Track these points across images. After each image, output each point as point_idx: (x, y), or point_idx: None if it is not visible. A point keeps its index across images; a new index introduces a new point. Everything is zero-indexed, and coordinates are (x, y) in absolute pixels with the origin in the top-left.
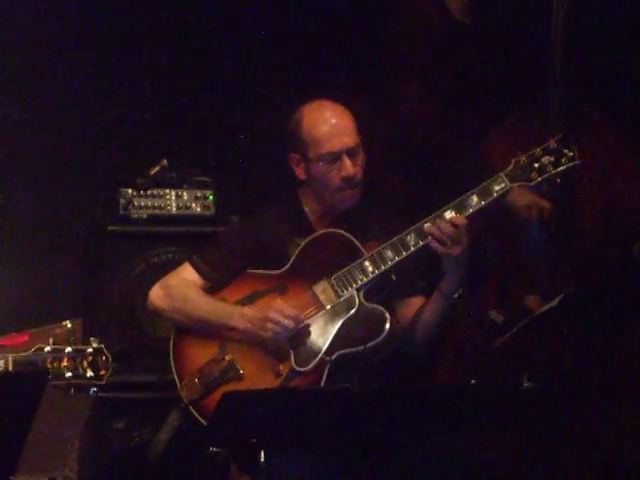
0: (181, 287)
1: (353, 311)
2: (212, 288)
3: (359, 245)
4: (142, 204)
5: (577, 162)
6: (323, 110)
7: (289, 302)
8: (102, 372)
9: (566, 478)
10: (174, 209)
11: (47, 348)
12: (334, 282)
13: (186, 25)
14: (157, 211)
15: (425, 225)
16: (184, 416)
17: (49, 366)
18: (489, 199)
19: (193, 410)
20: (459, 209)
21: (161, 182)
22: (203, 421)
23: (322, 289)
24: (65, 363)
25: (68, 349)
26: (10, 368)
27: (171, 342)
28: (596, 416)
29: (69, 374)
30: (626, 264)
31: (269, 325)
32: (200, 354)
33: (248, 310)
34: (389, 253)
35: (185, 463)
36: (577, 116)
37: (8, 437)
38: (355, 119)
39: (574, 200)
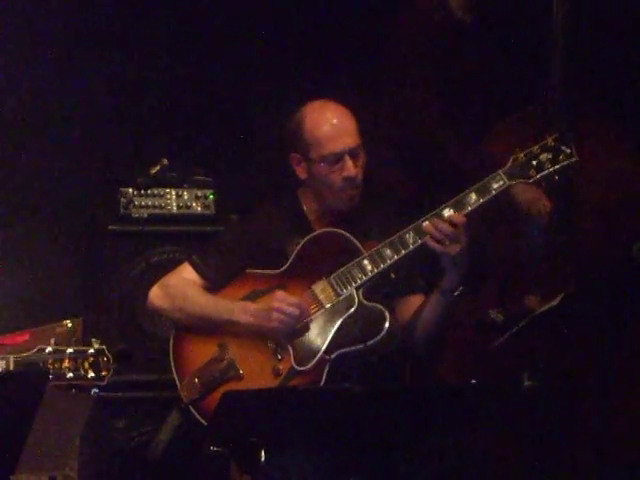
0: (181, 286)
1: (352, 310)
2: (212, 288)
3: (358, 244)
4: (142, 203)
5: (575, 159)
6: (325, 110)
7: None
8: (103, 373)
9: (566, 478)
10: (174, 208)
11: (48, 349)
12: (333, 281)
13: (186, 25)
14: (157, 210)
15: (423, 224)
16: (184, 416)
17: (50, 367)
18: (487, 197)
19: (193, 410)
20: (458, 207)
21: (161, 181)
22: (203, 421)
23: (321, 288)
24: (66, 364)
25: (69, 350)
26: (11, 369)
27: (171, 342)
28: (596, 416)
29: (70, 375)
30: (626, 264)
31: (274, 315)
32: (200, 354)
33: (250, 305)
34: (388, 252)
35: (185, 463)
36: (577, 115)
37: (9, 436)
38: (357, 119)
39: (574, 200)
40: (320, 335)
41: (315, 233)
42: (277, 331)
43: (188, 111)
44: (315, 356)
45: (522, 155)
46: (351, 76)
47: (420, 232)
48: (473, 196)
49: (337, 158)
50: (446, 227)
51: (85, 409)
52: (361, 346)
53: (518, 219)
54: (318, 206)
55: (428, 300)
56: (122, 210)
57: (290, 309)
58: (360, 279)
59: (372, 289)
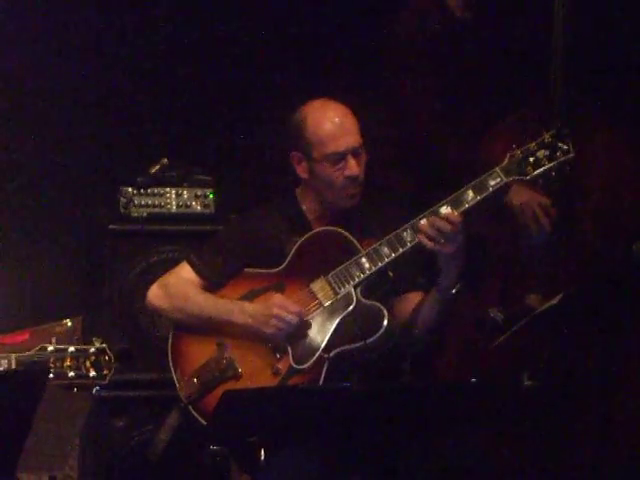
0: (180, 286)
1: (351, 308)
2: (210, 287)
3: (356, 242)
4: (142, 203)
5: (572, 155)
6: (327, 109)
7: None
8: (105, 372)
9: (566, 478)
10: (174, 208)
11: (50, 348)
12: (331, 279)
13: (186, 25)
14: (157, 210)
15: (419, 222)
16: (183, 416)
17: (52, 366)
18: (485, 194)
19: (192, 410)
20: (455, 204)
21: (161, 181)
22: (202, 420)
23: (319, 287)
24: (68, 363)
25: (71, 349)
26: (14, 367)
27: (169, 342)
28: (596, 416)
29: (72, 374)
30: (626, 263)
31: (272, 321)
32: (199, 353)
33: (249, 306)
34: (385, 249)
35: (185, 462)
36: (577, 115)
37: (9, 436)
38: (357, 119)
39: (574, 199)
40: (319, 334)
41: (313, 232)
42: (273, 336)
43: (188, 110)
44: (314, 355)
45: (519, 152)
46: (351, 76)
47: (417, 230)
48: (470, 193)
49: (340, 157)
50: (442, 225)
51: (85, 408)
52: (360, 344)
53: (518, 220)
54: (318, 205)
55: (426, 298)
56: (122, 209)
57: (289, 317)
58: (358, 277)
59: (370, 287)
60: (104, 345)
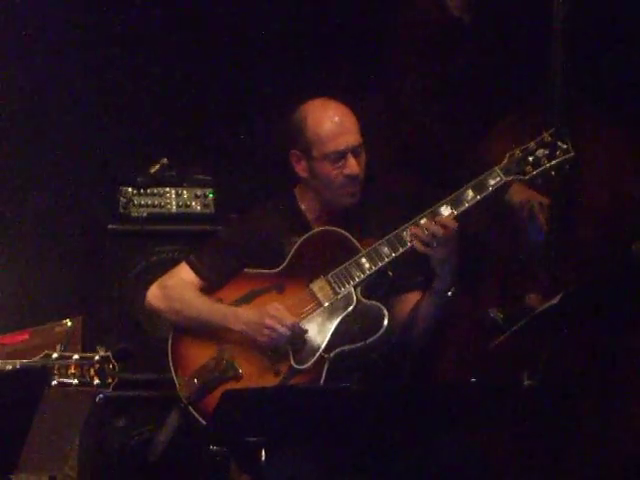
0: (178, 288)
1: (351, 308)
2: (209, 288)
3: (356, 242)
4: (142, 202)
5: (572, 154)
6: (327, 108)
7: (286, 301)
8: (109, 380)
9: (566, 478)
10: (174, 207)
11: (54, 355)
12: (331, 279)
13: (186, 25)
14: (157, 209)
15: (418, 223)
16: (183, 416)
17: (56, 373)
18: (484, 193)
19: (192, 410)
20: (455, 204)
21: (161, 180)
22: (203, 421)
23: (319, 287)
24: (72, 370)
25: (75, 356)
26: None
27: (169, 342)
28: (596, 415)
29: (76, 381)
30: (626, 263)
31: (265, 331)
32: (198, 354)
33: (244, 312)
34: (385, 249)
35: (185, 462)
36: (577, 115)
37: (8, 435)
38: (357, 118)
39: (574, 199)
40: (319, 334)
41: (313, 232)
42: (266, 346)
43: (188, 110)
44: (314, 355)
45: (518, 151)
46: (351, 76)
47: (418, 229)
48: (470, 193)
49: (339, 156)
50: (435, 230)
51: (85, 408)
52: (360, 344)
53: (517, 219)
54: (317, 204)
55: (422, 300)
56: (121, 209)
57: (282, 329)
58: (358, 277)
59: (370, 287)
60: (108, 353)
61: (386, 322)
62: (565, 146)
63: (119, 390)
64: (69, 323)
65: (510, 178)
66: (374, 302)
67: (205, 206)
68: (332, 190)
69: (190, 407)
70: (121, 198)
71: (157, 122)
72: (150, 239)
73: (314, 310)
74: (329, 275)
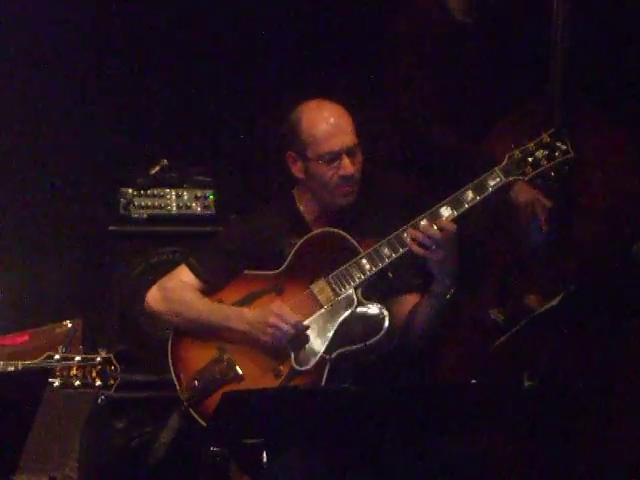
0: (178, 290)
1: (352, 309)
2: (209, 290)
3: (355, 243)
4: (142, 204)
5: (571, 155)
6: (322, 109)
7: (287, 302)
8: (111, 382)
9: (565, 478)
10: (174, 209)
11: (56, 356)
12: (332, 281)
13: (187, 26)
14: (157, 211)
15: (419, 224)
16: (184, 418)
17: (58, 374)
18: (484, 194)
19: (193, 412)
20: (455, 205)
21: (161, 182)
22: (203, 423)
23: (320, 288)
24: (74, 371)
25: (77, 358)
26: None
27: (169, 344)
28: (596, 415)
29: (78, 382)
30: (626, 263)
31: (269, 330)
32: (199, 356)
33: (247, 312)
34: (386, 250)
35: (186, 463)
36: (577, 115)
37: (9, 436)
38: (353, 118)
39: (574, 199)
40: (320, 335)
41: (312, 233)
42: (270, 344)
43: (188, 112)
44: (315, 356)
45: (518, 152)
46: (351, 76)
47: (417, 231)
48: (470, 194)
49: (334, 157)
50: (433, 233)
51: (85, 409)
52: (361, 345)
53: (520, 219)
54: (315, 205)
55: (421, 302)
56: (122, 210)
57: (285, 327)
58: (359, 278)
59: (369, 288)
60: (110, 355)
61: (387, 323)
62: (564, 147)
63: (120, 391)
64: (69, 324)
65: (510, 179)
66: (375, 303)
67: (205, 207)
68: (328, 191)
69: (191, 409)
70: (121, 199)
71: (157, 123)
72: (150, 240)
73: (315, 311)
74: (329, 276)
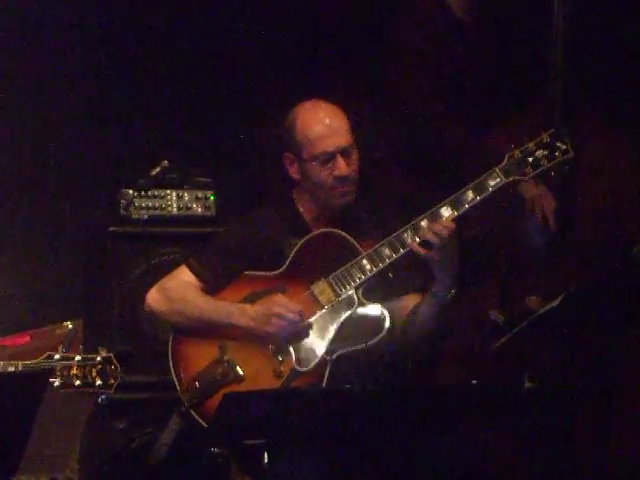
0: (179, 289)
1: (352, 310)
2: (209, 290)
3: (356, 244)
4: (143, 205)
5: (571, 155)
6: (317, 110)
7: None
8: (111, 381)
9: (566, 478)
10: (175, 210)
11: (56, 356)
12: (332, 281)
13: (186, 26)
14: (158, 212)
15: (419, 224)
16: (185, 420)
17: (58, 374)
18: (484, 194)
19: (194, 413)
20: (455, 205)
21: (162, 183)
22: (204, 424)
23: (321, 289)
24: (74, 371)
25: (77, 357)
26: None
27: (169, 345)
28: (597, 416)
29: (78, 382)
30: (626, 264)
31: (274, 320)
32: (199, 357)
33: (250, 307)
34: (387, 251)
35: (186, 463)
36: (578, 115)
37: (9, 438)
38: (350, 118)
39: (575, 200)
40: (321, 336)
41: (313, 234)
42: (276, 336)
43: (188, 112)
44: (316, 357)
45: (518, 152)
46: (351, 76)
47: (418, 231)
48: (470, 194)
49: (328, 157)
50: (433, 233)
51: (86, 410)
52: (362, 346)
53: (521, 217)
54: (314, 206)
55: (422, 302)
56: (122, 211)
57: (290, 315)
58: (359, 279)
59: (370, 289)
60: (110, 355)
61: (387, 324)
62: (564, 147)
63: (120, 392)
64: (70, 325)
65: (510, 179)
66: (375, 304)
67: (206, 208)
68: (324, 191)
69: (191, 410)
70: (122, 200)
71: (158, 124)
72: (151, 241)
73: (315, 312)
74: (330, 277)
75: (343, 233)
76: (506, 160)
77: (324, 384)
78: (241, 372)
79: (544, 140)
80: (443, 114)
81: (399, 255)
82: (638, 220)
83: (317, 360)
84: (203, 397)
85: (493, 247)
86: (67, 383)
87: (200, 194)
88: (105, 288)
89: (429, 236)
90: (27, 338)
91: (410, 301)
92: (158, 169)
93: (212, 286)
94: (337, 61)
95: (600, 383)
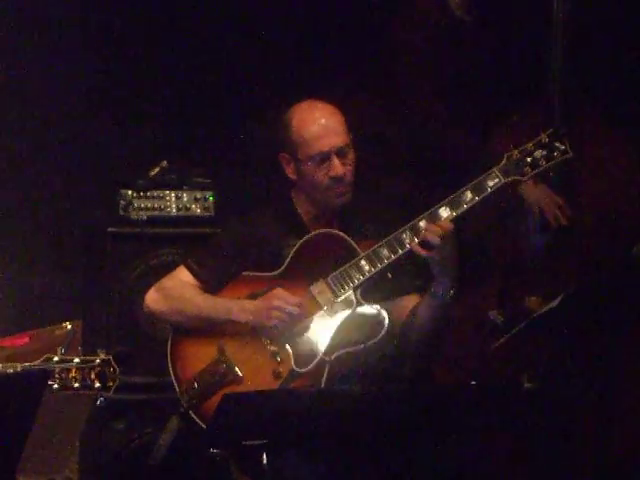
0: (178, 288)
1: (351, 311)
2: (207, 291)
3: (354, 244)
4: (142, 205)
5: (570, 155)
6: (312, 110)
7: None
8: (110, 383)
9: (566, 478)
10: (174, 210)
11: (55, 358)
12: (331, 282)
13: (186, 26)
14: (157, 212)
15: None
16: (184, 421)
17: (57, 376)
18: (483, 195)
19: (193, 414)
20: (453, 206)
21: (161, 183)
22: (203, 425)
23: (319, 290)
24: (73, 373)
25: (76, 360)
26: None
27: (168, 346)
28: (597, 416)
29: (77, 384)
30: (626, 264)
31: (274, 313)
32: (198, 357)
33: (249, 303)
34: (385, 251)
35: (186, 464)
36: (578, 115)
37: (9, 438)
38: (346, 118)
39: (575, 200)
40: (319, 336)
41: (311, 234)
42: (276, 329)
43: (187, 113)
44: (315, 358)
45: (516, 152)
46: (351, 76)
47: (417, 231)
48: (469, 194)
49: (324, 158)
50: (432, 233)
51: (85, 411)
52: (360, 347)
53: (520, 217)
54: (311, 206)
55: (421, 303)
56: (121, 212)
57: (290, 308)
58: (358, 280)
59: (369, 289)
60: (109, 357)
61: (386, 325)
62: (563, 147)
63: (119, 393)
64: (69, 326)
65: (509, 179)
66: (374, 305)
67: (205, 209)
68: (320, 192)
69: (190, 411)
70: (121, 201)
71: (157, 125)
72: (150, 242)
73: (314, 313)
74: (329, 278)
75: (342, 234)
76: (505, 160)
77: (322, 385)
78: (240, 373)
79: (543, 140)
80: (443, 114)
81: (397, 256)
82: (638, 220)
83: (316, 361)
84: (202, 398)
85: (493, 248)
86: (66, 386)
87: (199, 195)
88: (104, 288)
89: (428, 236)
90: (26, 339)
91: (409, 302)
92: (157, 170)
93: (210, 286)
94: (337, 61)
95: (600, 383)
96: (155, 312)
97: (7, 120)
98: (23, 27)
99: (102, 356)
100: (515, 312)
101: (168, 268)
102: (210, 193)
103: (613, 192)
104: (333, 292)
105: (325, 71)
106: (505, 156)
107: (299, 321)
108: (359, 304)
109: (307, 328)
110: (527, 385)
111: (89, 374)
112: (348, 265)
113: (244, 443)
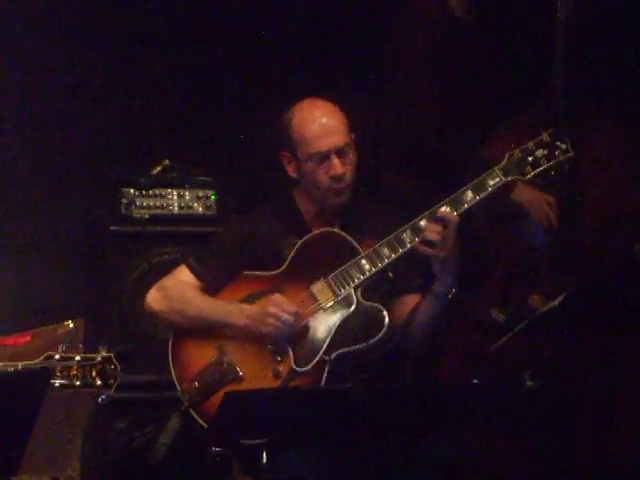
0: (178, 288)
1: (351, 309)
2: (209, 290)
3: (355, 244)
4: (144, 204)
5: (571, 154)
6: (313, 109)
7: None
8: (111, 381)
9: (566, 478)
10: (176, 209)
11: (56, 356)
12: (331, 281)
13: (186, 26)
14: (159, 211)
15: (418, 223)
16: (185, 420)
17: (58, 374)
18: (484, 194)
19: (194, 413)
20: (454, 205)
21: (163, 182)
22: (204, 424)
23: (320, 288)
24: (74, 371)
25: (77, 357)
26: None
27: (169, 345)
28: (597, 416)
29: (78, 382)
30: (627, 264)
31: (269, 320)
32: (199, 357)
33: (247, 307)
34: (385, 251)
35: (188, 463)
36: (580, 115)
37: (11, 437)
38: (347, 118)
39: (576, 199)
40: (319, 335)
41: (312, 233)
42: (271, 336)
43: (189, 111)
44: (315, 357)
45: (518, 151)
46: (351, 76)
47: (417, 231)
48: (469, 194)
49: (323, 157)
50: (437, 227)
51: (87, 409)
52: (361, 346)
53: (524, 218)
54: (312, 205)
55: (422, 302)
56: (123, 211)
57: (285, 316)
58: (358, 279)
59: (369, 288)
60: (110, 354)
61: (387, 324)
62: (564, 146)
63: (120, 392)
64: (71, 324)
65: (510, 178)
66: (374, 304)
67: (207, 207)
68: (320, 190)
69: (191, 409)
70: (123, 199)
71: (159, 124)
72: (152, 240)
73: (315, 312)
74: (329, 277)
75: (342, 233)
76: (506, 159)
77: (323, 384)
78: (240, 372)
79: (544, 139)
80: (443, 114)
81: (398, 255)
82: (638, 220)
83: (316, 360)
84: (202, 397)
85: (495, 246)
86: (67, 383)
87: (201, 193)
88: (106, 287)
89: (430, 235)
90: (28, 337)
91: (410, 301)
92: (159, 168)
93: (211, 286)
94: (337, 61)
95: (600, 383)
96: (156, 311)
97: (7, 120)
98: (23, 27)
99: (103, 353)
100: (517, 311)
101: (170, 267)
102: (212, 192)
103: (614, 191)
104: (333, 291)
105: (325, 71)
106: (506, 155)
107: (295, 329)
108: (360, 303)
109: (307, 327)
110: (528, 384)
111: (90, 371)
112: (349, 264)
113: (245, 442)
